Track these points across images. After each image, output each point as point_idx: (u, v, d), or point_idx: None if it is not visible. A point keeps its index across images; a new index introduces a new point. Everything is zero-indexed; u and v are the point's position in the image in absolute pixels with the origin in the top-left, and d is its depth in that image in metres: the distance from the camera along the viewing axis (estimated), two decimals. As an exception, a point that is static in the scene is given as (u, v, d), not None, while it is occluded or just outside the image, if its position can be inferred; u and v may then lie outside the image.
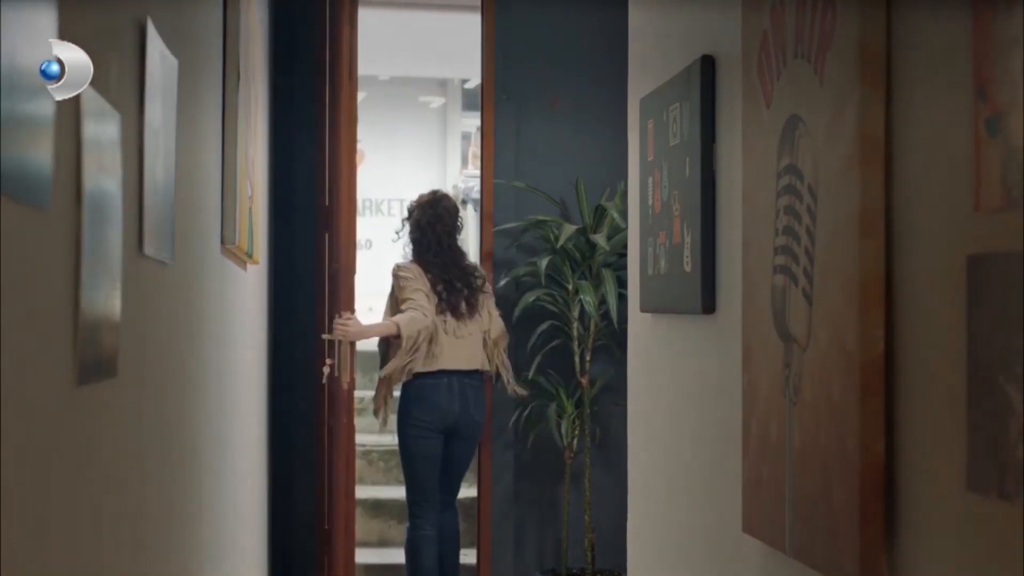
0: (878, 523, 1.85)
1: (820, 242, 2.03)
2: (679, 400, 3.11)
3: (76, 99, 1.48)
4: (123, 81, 1.82)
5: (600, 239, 6.03)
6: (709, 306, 2.79)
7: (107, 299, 1.65)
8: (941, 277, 1.70)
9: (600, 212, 6.24)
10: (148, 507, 2.13)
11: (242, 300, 4.10)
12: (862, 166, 1.88)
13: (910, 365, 1.80)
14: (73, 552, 1.53)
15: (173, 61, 2.23)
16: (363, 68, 9.93)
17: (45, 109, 1.32)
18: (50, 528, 1.39)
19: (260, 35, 4.62)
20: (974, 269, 1.61)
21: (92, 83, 1.55)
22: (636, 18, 3.66)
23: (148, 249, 1.99)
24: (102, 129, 1.62)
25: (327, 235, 5.91)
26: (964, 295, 1.62)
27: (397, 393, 5.66)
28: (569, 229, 6.06)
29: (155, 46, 2.01)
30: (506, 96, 6.37)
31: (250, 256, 4.00)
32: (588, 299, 6.02)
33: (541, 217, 6.26)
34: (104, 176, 1.63)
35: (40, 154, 1.30)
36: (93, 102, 1.57)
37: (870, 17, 1.89)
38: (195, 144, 2.70)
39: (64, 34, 1.38)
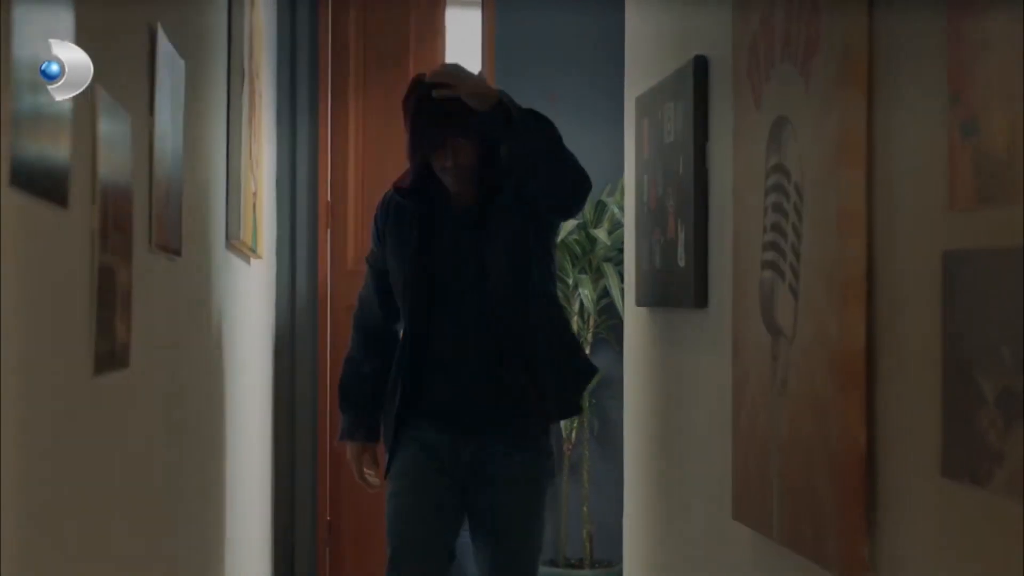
0: (859, 509, 1.93)
1: (806, 239, 2.11)
2: (673, 392, 3.18)
3: (91, 101, 1.55)
4: (134, 83, 1.89)
5: (601, 234, 6.10)
6: (702, 300, 2.87)
7: (120, 293, 1.73)
8: (919, 273, 1.77)
9: (601, 207, 6.31)
10: (157, 490, 2.20)
11: (247, 292, 4.17)
12: (845, 166, 1.96)
13: (890, 357, 1.87)
14: (86, 530, 1.60)
15: (180, 62, 2.30)
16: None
17: (63, 111, 1.39)
18: (65, 508, 1.47)
19: (266, 32, 4.69)
20: (949, 265, 1.68)
21: (105, 85, 1.62)
22: (632, 19, 3.73)
23: (158, 244, 2.07)
24: (115, 130, 1.69)
25: (328, 230, 5.99)
26: (940, 290, 1.70)
27: None
28: (570, 224, 6.14)
29: (164, 49, 2.09)
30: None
31: (254, 250, 4.08)
32: (587, 293, 6.09)
33: (541, 212, 6.34)
34: (117, 174, 1.70)
35: (59, 154, 1.38)
36: (106, 104, 1.64)
37: (853, 23, 1.96)
38: (201, 142, 2.77)
39: (79, 38, 1.45)
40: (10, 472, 1.19)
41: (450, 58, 6.31)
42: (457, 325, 3.18)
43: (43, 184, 1.30)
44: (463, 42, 6.60)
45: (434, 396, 3.22)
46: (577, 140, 6.43)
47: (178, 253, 2.33)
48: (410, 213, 3.26)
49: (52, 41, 1.32)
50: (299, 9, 6.07)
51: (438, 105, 3.05)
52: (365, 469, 3.37)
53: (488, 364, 3.16)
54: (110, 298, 1.66)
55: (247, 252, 3.95)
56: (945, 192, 1.68)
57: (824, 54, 2.04)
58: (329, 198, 6.06)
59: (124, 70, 1.81)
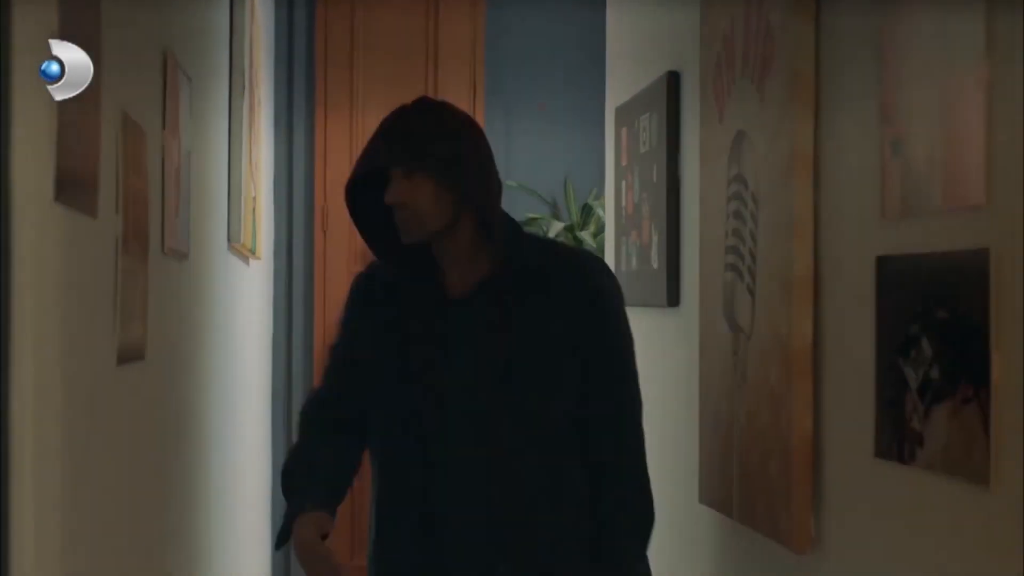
0: (806, 488, 2.13)
1: (761, 243, 2.31)
2: (648, 387, 3.37)
3: (116, 120, 1.75)
4: (150, 102, 2.08)
5: (587, 236, 6.31)
6: (674, 300, 3.07)
7: (139, 293, 1.92)
8: (857, 275, 1.97)
9: (587, 210, 6.52)
10: (166, 469, 2.40)
11: (246, 291, 4.37)
12: (794, 178, 2.16)
13: (833, 351, 2.08)
14: (108, 499, 1.80)
15: (188, 81, 2.49)
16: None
17: (93, 130, 1.59)
18: (92, 480, 1.66)
19: (264, 37, 4.87)
20: (881, 268, 1.88)
21: (126, 106, 1.82)
22: (612, 34, 3.93)
23: (169, 248, 2.26)
24: (135, 146, 1.89)
25: (324, 231, 6.20)
26: (873, 290, 1.89)
27: None
28: (557, 226, 6.34)
29: (175, 70, 2.28)
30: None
31: (253, 252, 4.27)
32: (574, 293, 6.30)
33: (531, 215, 6.53)
34: (137, 186, 1.90)
35: (90, 169, 1.57)
36: (128, 123, 1.83)
37: (801, 48, 2.15)
38: (206, 152, 2.97)
39: (105, 64, 1.65)
40: (51, 448, 1.38)
41: (443, 64, 6.50)
42: (454, 459, 2.27)
43: (79, 197, 1.50)
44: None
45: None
46: (565, 143, 6.65)
47: (186, 256, 2.53)
48: (402, 294, 2.33)
49: (52, 41, 1.33)
50: (296, 14, 6.24)
51: (396, 122, 2.24)
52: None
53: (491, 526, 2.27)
54: (130, 298, 1.85)
55: (247, 253, 4.14)
56: (878, 203, 1.88)
57: (777, 74, 2.24)
58: (324, 200, 6.27)
59: (142, 91, 2.01)
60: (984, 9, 1.58)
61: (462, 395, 2.25)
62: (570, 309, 2.25)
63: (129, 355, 1.86)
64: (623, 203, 3.54)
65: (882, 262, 1.87)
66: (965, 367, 1.62)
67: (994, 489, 1.56)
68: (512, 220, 2.33)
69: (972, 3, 1.60)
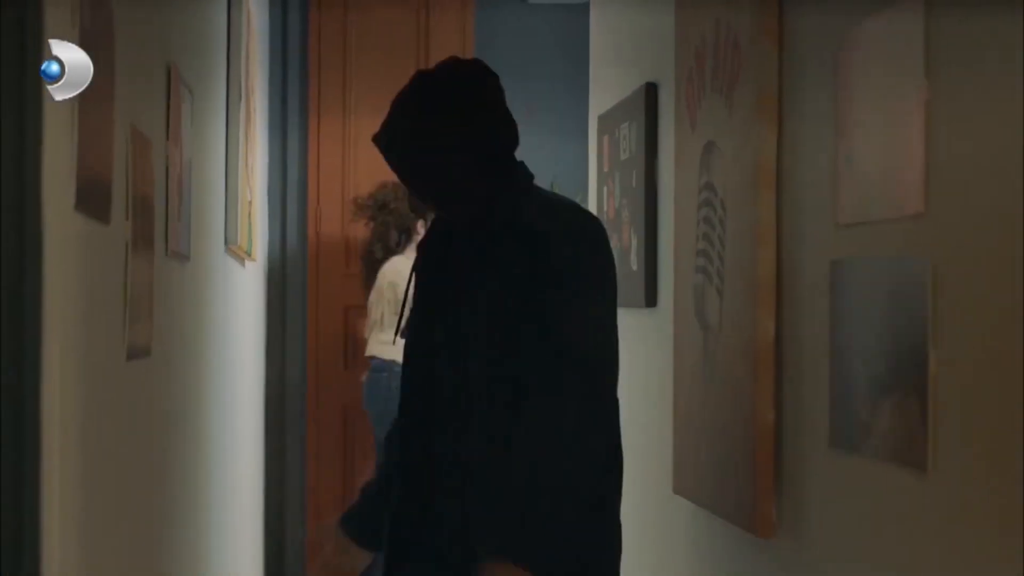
0: (769, 477, 2.27)
1: (728, 247, 2.45)
2: (628, 383, 3.52)
3: (126, 132, 1.89)
4: (154, 113, 2.23)
5: (574, 238, 6.47)
6: (652, 300, 3.21)
7: (145, 292, 2.07)
8: (814, 277, 2.12)
9: (574, 212, 6.67)
10: (170, 459, 2.54)
11: (243, 291, 4.51)
12: (759, 186, 2.30)
13: (793, 348, 2.22)
14: (119, 485, 1.94)
15: (189, 93, 2.64)
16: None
17: (106, 143, 1.73)
18: (100, 469, 1.81)
19: (260, 44, 5.01)
20: (835, 270, 2.02)
21: (133, 118, 1.95)
22: (595, 44, 4.08)
23: (172, 250, 2.40)
24: (142, 156, 2.03)
25: (317, 232, 6.35)
26: (828, 291, 2.04)
27: None
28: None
29: (177, 83, 2.43)
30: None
31: (248, 253, 4.41)
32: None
33: (519, 216, 6.67)
34: (143, 193, 2.04)
35: (105, 179, 1.71)
36: (136, 135, 1.97)
37: (766, 62, 2.30)
38: (205, 159, 3.11)
39: (117, 76, 1.78)
40: (70, 435, 1.53)
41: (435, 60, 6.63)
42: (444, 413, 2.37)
43: (95, 206, 1.64)
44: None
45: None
46: (553, 146, 6.78)
47: (187, 258, 2.67)
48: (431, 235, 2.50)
49: (52, 41, 1.35)
50: (290, 18, 6.37)
51: (396, 108, 2.42)
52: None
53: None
54: (138, 298, 1.99)
55: (243, 255, 4.28)
56: (834, 210, 2.03)
57: (743, 88, 2.38)
58: (318, 203, 6.42)
59: (148, 104, 2.15)
60: (923, 33, 1.72)
61: (424, 327, 2.39)
62: (526, 277, 2.27)
63: (137, 352, 2.00)
64: (605, 208, 3.69)
65: (835, 265, 2.02)
66: (907, 363, 1.77)
67: (931, 475, 1.70)
68: (513, 181, 2.49)
69: (914, 26, 1.74)
